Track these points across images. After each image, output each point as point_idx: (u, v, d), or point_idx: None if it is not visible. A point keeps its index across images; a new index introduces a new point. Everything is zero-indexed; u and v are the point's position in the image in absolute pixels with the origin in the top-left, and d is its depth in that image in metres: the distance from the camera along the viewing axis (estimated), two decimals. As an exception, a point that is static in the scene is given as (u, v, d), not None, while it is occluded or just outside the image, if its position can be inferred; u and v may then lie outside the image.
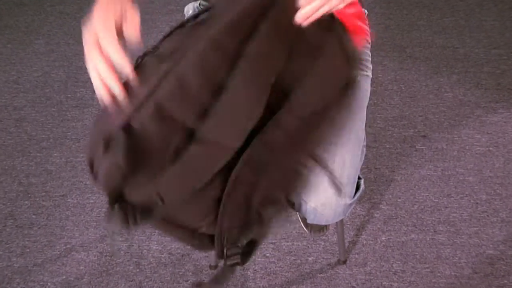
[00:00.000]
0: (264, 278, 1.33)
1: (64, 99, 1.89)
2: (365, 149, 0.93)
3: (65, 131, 1.77)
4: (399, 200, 1.52)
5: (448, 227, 1.44)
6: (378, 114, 1.77)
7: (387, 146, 1.67)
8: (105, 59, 0.60)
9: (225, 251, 0.68)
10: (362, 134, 0.88)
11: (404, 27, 2.15)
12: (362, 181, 0.94)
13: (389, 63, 1.99)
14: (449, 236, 1.42)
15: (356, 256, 1.38)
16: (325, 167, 0.75)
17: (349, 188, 0.86)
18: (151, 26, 2.18)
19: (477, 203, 1.50)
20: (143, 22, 2.28)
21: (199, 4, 1.02)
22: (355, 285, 1.32)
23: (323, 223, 0.88)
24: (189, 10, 1.04)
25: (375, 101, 1.82)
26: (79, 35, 2.16)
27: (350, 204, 0.90)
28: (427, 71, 1.94)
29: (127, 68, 0.61)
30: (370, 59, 0.98)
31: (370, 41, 0.99)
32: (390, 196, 1.52)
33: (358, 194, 0.92)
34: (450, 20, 2.18)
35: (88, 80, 2.09)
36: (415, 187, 1.55)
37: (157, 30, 2.14)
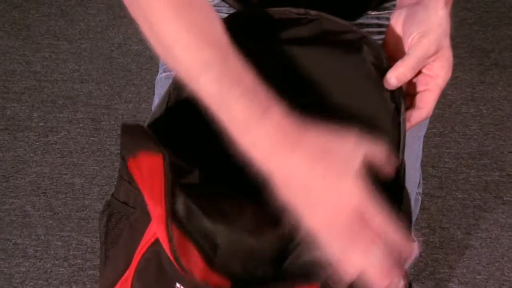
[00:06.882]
0: None
1: (-12, 119, 1.92)
2: (420, 197, 0.95)
3: (-12, 164, 1.80)
4: (478, 277, 1.52)
5: (553, 319, 1.44)
6: (446, 149, 1.79)
7: (459, 196, 1.68)
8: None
9: None
10: (414, 176, 0.90)
11: (488, 21, 2.18)
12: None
13: (464, 74, 2.01)
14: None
15: None
16: None
17: None
18: (123, 24, 2.24)
19: None
20: (117, 19, 2.32)
21: None
22: None
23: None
24: None
25: (442, 130, 1.84)
26: (11, 23, 2.21)
27: None
28: (521, 86, 1.97)
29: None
30: None
31: None
32: (465, 271, 1.53)
33: None
34: (556, 13, 2.21)
35: (25, 91, 2.13)
36: (503, 258, 1.55)
37: (127, 22, 2.20)
